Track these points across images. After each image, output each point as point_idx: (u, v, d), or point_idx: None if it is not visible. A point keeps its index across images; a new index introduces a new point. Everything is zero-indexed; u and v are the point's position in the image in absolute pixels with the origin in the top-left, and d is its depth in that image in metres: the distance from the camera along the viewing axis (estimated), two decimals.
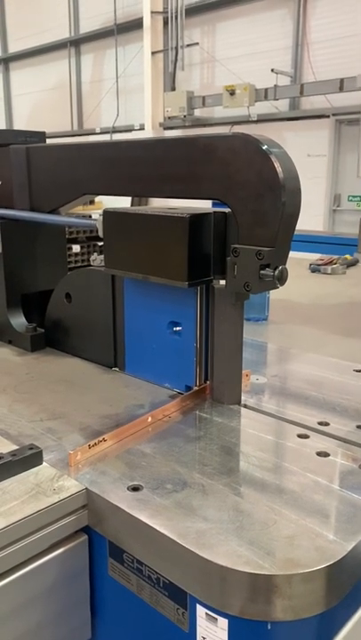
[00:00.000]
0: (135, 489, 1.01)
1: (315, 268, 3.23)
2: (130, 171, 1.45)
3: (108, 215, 1.45)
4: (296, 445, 1.18)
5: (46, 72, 16.76)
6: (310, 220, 9.77)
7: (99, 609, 1.07)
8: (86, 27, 15.17)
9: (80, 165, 1.60)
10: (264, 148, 1.18)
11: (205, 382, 1.44)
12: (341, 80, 9.63)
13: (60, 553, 1.00)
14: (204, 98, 12.11)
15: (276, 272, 1.19)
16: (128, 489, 1.01)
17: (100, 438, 1.14)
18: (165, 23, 12.83)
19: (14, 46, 17.51)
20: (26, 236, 1.83)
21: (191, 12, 12.49)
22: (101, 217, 1.46)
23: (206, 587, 0.85)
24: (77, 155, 1.62)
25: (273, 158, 1.17)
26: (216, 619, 0.86)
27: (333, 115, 10.50)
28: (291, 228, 1.22)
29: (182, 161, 1.32)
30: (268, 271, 1.20)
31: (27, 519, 0.94)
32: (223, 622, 0.85)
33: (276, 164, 1.17)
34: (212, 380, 1.42)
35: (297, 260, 3.61)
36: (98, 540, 1.04)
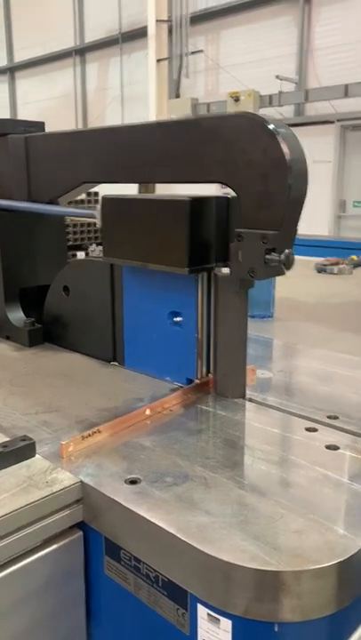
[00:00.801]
0: (133, 482, 0.95)
1: (321, 269, 3.18)
2: (130, 156, 1.40)
3: (107, 202, 1.40)
4: (304, 439, 1.12)
5: (51, 81, 16.85)
6: (315, 226, 9.71)
7: (94, 610, 1.01)
8: (91, 36, 15.27)
9: (79, 153, 1.55)
10: (270, 127, 1.13)
11: (208, 375, 1.38)
12: (346, 86, 9.61)
13: (54, 550, 0.94)
14: (208, 105, 12.12)
15: (282, 256, 1.14)
16: (125, 482, 0.95)
17: (95, 429, 1.09)
18: (170, 31, 12.88)
19: (20, 55, 17.63)
20: (24, 228, 1.78)
21: (196, 20, 12.54)
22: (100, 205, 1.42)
23: (208, 585, 0.79)
24: (76, 142, 1.57)
25: (279, 137, 1.12)
26: (218, 620, 0.79)
27: (338, 120, 10.48)
28: (297, 211, 1.17)
29: (184, 143, 1.27)
30: (273, 256, 1.15)
31: (17, 512, 0.88)
32: (226, 623, 0.79)
33: (283, 143, 1.11)
34: (215, 373, 1.36)
35: (302, 261, 3.54)
36: (93, 537, 0.98)
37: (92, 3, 14.91)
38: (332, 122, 10.56)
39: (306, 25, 10.88)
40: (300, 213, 1.17)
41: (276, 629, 0.76)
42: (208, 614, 0.81)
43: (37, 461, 1.03)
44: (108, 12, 14.32)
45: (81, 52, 15.81)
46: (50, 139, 1.66)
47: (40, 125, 1.82)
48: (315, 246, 4.27)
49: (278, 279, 2.09)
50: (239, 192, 1.19)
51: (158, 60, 13.00)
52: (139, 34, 13.50)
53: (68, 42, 15.73)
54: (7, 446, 1.02)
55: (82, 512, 0.97)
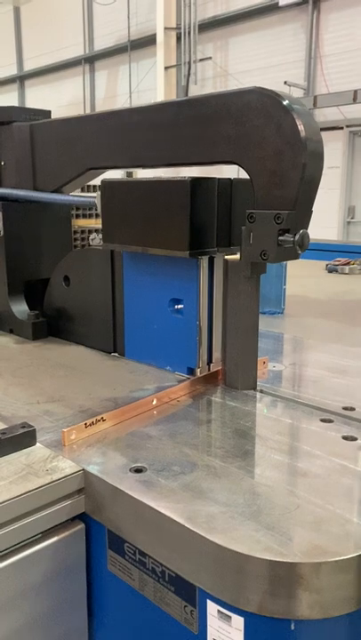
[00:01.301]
0: (138, 470, 0.90)
1: (332, 268, 3.12)
2: (137, 139, 1.36)
3: (106, 186, 1.35)
4: (319, 429, 1.06)
5: (61, 89, 16.95)
6: (324, 231, 9.64)
7: (96, 608, 0.95)
8: (101, 44, 15.35)
9: (84, 138, 1.51)
10: (284, 102, 1.08)
11: (209, 365, 1.33)
12: (355, 91, 9.57)
13: (53, 543, 0.88)
14: None
15: (297, 237, 1.08)
16: (130, 470, 0.90)
17: (99, 417, 1.03)
18: (178, 39, 12.93)
19: (30, 64, 17.76)
20: (29, 219, 1.74)
21: (204, 27, 12.58)
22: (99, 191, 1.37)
23: (218, 578, 0.73)
24: (81, 127, 1.52)
25: (293, 113, 1.07)
26: (230, 617, 0.73)
27: (347, 126, 10.44)
28: (312, 191, 1.12)
29: (193, 123, 1.22)
30: (287, 237, 1.09)
31: (14, 501, 0.82)
32: (238, 621, 0.72)
33: (297, 119, 1.06)
34: (224, 364, 1.30)
35: (313, 263, 3.49)
36: (96, 530, 0.92)
37: (102, 11, 15.00)
38: (340, 127, 10.51)
39: (315, 31, 10.87)
40: (315, 193, 1.12)
41: (292, 627, 0.70)
42: (218, 611, 0.74)
43: (38, 450, 0.97)
44: (117, 21, 14.40)
45: (90, 59, 15.91)
46: (55, 125, 1.62)
47: (46, 114, 1.78)
48: (324, 250, 4.22)
49: (289, 277, 2.04)
50: (251, 171, 1.14)
51: (167, 68, 13.04)
52: (148, 41, 13.56)
53: (78, 50, 15.82)
54: (5, 433, 0.96)
55: (84, 503, 0.91)
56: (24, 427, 0.99)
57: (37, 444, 0.99)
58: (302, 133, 1.06)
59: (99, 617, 0.95)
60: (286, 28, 11.39)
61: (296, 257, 1.15)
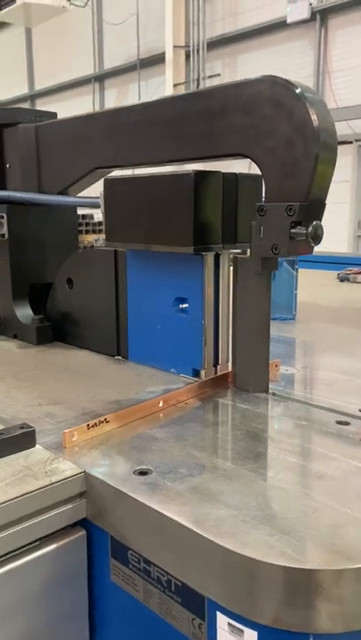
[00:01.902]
0: (143, 473, 0.84)
1: (343, 277, 3.06)
2: (143, 135, 1.32)
3: (109, 183, 1.32)
4: (335, 431, 1.00)
5: (71, 107, 17.10)
6: (334, 245, 9.58)
7: (99, 621, 0.89)
8: (110, 63, 15.53)
9: (90, 137, 1.47)
10: (296, 90, 1.04)
11: (216, 367, 1.27)
12: None
13: (52, 550, 0.83)
14: None
15: (310, 229, 1.03)
16: (134, 473, 0.84)
17: (102, 418, 0.98)
18: (187, 57, 13.04)
19: (40, 83, 18.00)
20: (34, 222, 1.70)
21: (212, 45, 12.68)
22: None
23: (229, 588, 0.67)
24: (87, 126, 1.49)
25: (305, 101, 1.02)
26: (242, 631, 0.67)
27: (356, 140, 10.43)
28: (326, 181, 1.07)
29: (202, 116, 1.19)
30: (300, 229, 1.04)
31: (9, 504, 0.77)
32: (252, 635, 0.66)
33: (310, 108, 1.02)
34: (234, 366, 1.25)
35: (323, 273, 3.44)
36: (98, 537, 0.86)
37: (111, 31, 15.20)
38: (350, 142, 10.50)
39: (322, 48, 10.92)
40: (329, 184, 1.07)
41: None
42: (229, 624, 0.68)
43: (37, 451, 0.92)
44: (126, 40, 14.57)
45: (100, 78, 16.08)
46: (60, 125, 1.59)
47: (52, 115, 1.75)
48: (335, 263, 4.18)
49: (300, 286, 1.98)
50: (261, 163, 1.10)
51: (176, 85, 13.14)
52: (157, 60, 13.68)
53: (88, 69, 16.01)
54: (3, 434, 0.91)
55: (85, 507, 0.85)
56: (23, 427, 0.94)
57: (37, 446, 0.93)
58: (315, 122, 1.02)
59: (101, 630, 0.89)
60: (294, 45, 11.45)
61: (310, 251, 1.10)
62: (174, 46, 13.11)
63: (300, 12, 10.65)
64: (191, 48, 12.84)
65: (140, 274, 1.36)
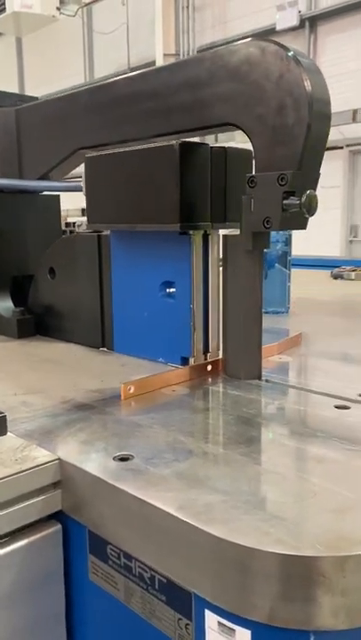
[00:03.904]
0: (124, 459, 0.76)
1: (337, 274, 3.00)
2: (127, 111, 1.25)
3: (90, 161, 1.25)
4: (335, 415, 0.92)
5: None
6: (327, 251, 9.56)
7: (77, 624, 0.80)
8: (101, 72, 15.54)
9: (71, 116, 1.40)
10: (288, 53, 0.98)
11: (206, 354, 1.20)
12: (354, 111, 9.59)
13: (23, 547, 0.74)
14: (216, 134, 12.18)
15: (304, 198, 0.96)
16: (114, 459, 0.76)
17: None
18: None
19: (31, 92, 17.99)
20: (15, 211, 1.63)
21: (202, 52, 12.72)
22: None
23: (218, 581, 0.59)
24: (68, 106, 1.42)
25: (298, 64, 0.96)
26: (234, 630, 0.59)
27: (347, 146, 10.45)
28: (319, 150, 1.00)
29: (188, 86, 1.12)
30: (292, 200, 0.97)
31: None
32: (244, 635, 0.58)
33: (303, 72, 0.95)
34: (225, 352, 1.17)
35: (317, 272, 3.38)
36: (75, 531, 0.78)
37: (102, 40, 15.24)
38: (340, 147, 10.52)
39: (312, 55, 10.95)
40: (322, 152, 1.01)
41: None
42: (219, 623, 0.60)
43: (8, 439, 0.84)
44: (117, 49, 14.60)
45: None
46: (41, 107, 1.52)
47: (33, 99, 1.68)
48: (328, 266, 4.12)
49: (294, 284, 1.92)
50: (251, 131, 1.03)
51: None
52: (147, 68, 13.71)
53: (79, 78, 16.02)
54: None
55: (60, 499, 0.77)
56: None
57: (9, 434, 0.85)
58: (307, 84, 0.95)
59: (79, 635, 0.80)
60: None
61: (303, 226, 1.03)
62: (165, 54, 13.12)
63: (289, 19, 10.69)
64: (182, 56, 12.87)
65: (124, 258, 1.29)
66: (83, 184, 1.29)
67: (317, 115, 0.96)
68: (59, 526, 0.78)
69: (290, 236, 2.00)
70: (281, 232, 1.94)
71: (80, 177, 1.31)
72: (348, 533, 0.57)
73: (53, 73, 16.69)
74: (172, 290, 1.20)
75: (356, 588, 0.54)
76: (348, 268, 3.38)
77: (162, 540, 0.64)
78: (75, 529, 0.77)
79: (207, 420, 0.93)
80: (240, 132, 1.05)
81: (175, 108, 1.15)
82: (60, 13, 11.42)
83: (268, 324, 1.26)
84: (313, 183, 0.99)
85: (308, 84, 0.96)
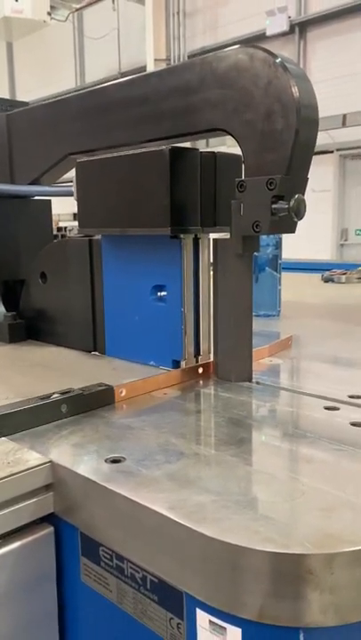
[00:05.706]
0: (115, 461, 0.77)
1: (328, 278, 3.03)
2: (116, 117, 1.26)
3: (80, 166, 1.26)
4: (324, 416, 0.94)
5: None
6: (318, 255, 9.60)
7: (70, 626, 0.80)
8: (92, 77, 15.57)
9: (62, 122, 1.41)
10: (276, 60, 0.99)
11: (197, 357, 1.21)
12: (344, 115, 9.67)
13: (16, 549, 0.75)
14: (207, 140, 12.23)
15: (292, 202, 0.97)
16: (106, 461, 0.77)
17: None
18: None
19: (22, 97, 17.99)
20: (6, 216, 1.63)
21: (193, 58, 12.78)
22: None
23: (208, 579, 0.60)
24: (58, 111, 1.43)
25: (285, 70, 0.98)
26: (224, 628, 0.59)
27: (337, 150, 10.52)
28: (307, 155, 1.01)
29: (178, 92, 1.13)
30: (281, 204, 0.98)
31: None
32: (235, 633, 0.59)
33: (290, 79, 0.97)
34: (215, 355, 1.18)
35: (308, 276, 3.40)
36: (67, 534, 0.78)
37: (93, 45, 15.27)
38: (331, 151, 10.59)
39: (302, 60, 11.04)
40: (310, 157, 1.02)
41: (301, 638, 0.56)
42: (210, 622, 0.61)
43: (0, 442, 0.84)
44: (108, 54, 14.64)
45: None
46: (31, 112, 1.53)
47: (24, 104, 1.69)
48: (319, 269, 4.15)
49: (285, 287, 1.93)
50: (240, 136, 1.04)
51: None
52: (138, 73, 13.75)
53: (70, 83, 16.04)
54: None
55: (52, 501, 0.78)
56: None
57: (0, 438, 0.86)
58: (295, 89, 0.97)
59: (72, 636, 0.80)
60: None
61: (292, 229, 1.04)
62: (155, 59, 13.17)
63: (279, 24, 10.76)
64: (172, 61, 12.93)
65: (116, 263, 1.30)
66: (74, 189, 1.30)
67: (305, 120, 0.98)
68: (51, 529, 0.79)
69: (280, 239, 2.02)
70: (271, 236, 1.96)
71: (71, 182, 1.32)
72: (336, 531, 0.58)
73: (44, 78, 16.71)
74: (163, 293, 1.21)
75: (344, 586, 0.55)
76: (338, 271, 3.41)
77: (153, 541, 0.64)
78: (67, 531, 0.78)
79: (198, 422, 0.94)
80: (230, 137, 1.07)
81: (165, 114, 1.16)
82: (51, 18, 11.45)
83: (258, 327, 1.27)
84: (301, 187, 1.01)
85: (295, 91, 0.97)
